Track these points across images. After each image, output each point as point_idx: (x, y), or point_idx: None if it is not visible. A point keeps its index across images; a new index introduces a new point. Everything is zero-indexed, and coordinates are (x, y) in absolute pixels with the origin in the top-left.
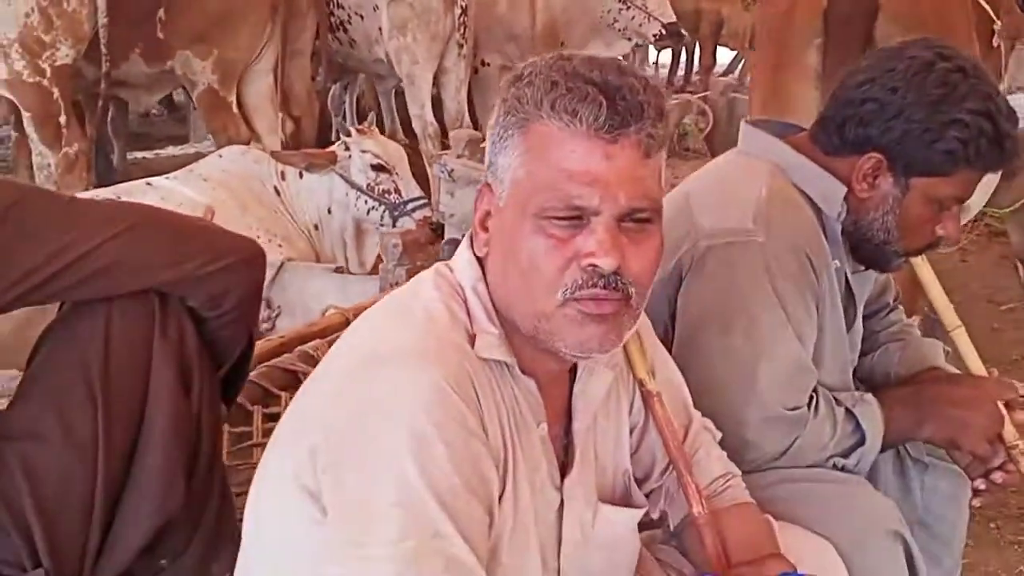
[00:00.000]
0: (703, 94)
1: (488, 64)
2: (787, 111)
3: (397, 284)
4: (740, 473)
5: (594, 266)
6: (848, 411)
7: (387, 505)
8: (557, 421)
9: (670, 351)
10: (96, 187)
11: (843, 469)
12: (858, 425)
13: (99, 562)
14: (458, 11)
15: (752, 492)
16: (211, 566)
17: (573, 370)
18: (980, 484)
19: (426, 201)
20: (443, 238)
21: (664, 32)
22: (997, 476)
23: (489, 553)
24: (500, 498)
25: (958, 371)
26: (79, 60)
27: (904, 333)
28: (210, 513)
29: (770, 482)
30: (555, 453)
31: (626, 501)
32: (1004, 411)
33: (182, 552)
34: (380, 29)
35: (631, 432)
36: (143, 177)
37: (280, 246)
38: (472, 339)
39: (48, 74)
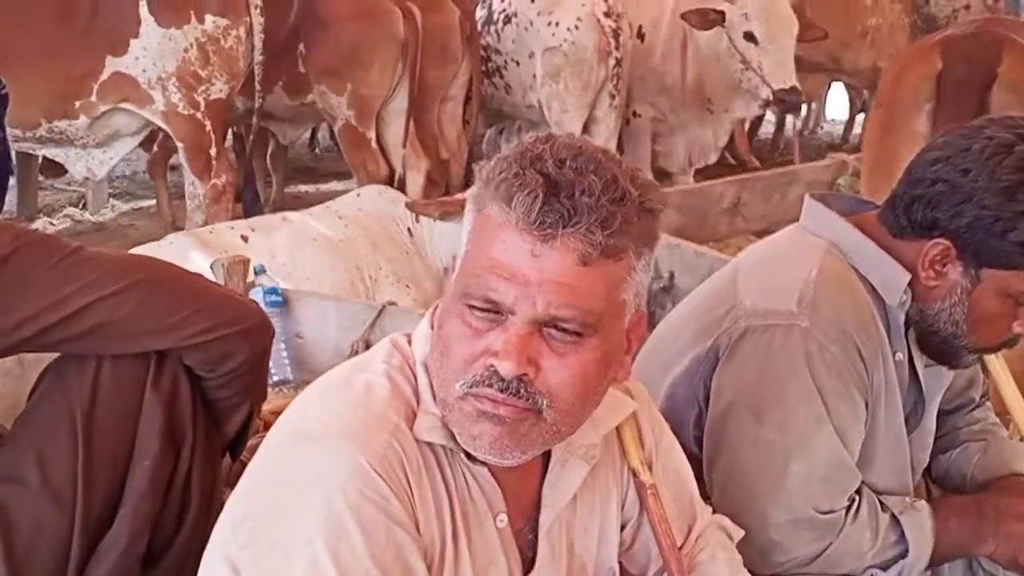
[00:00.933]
0: (860, 155)
1: (640, 115)
2: (891, 179)
3: None
4: None
5: (494, 367)
6: (894, 518)
7: None
8: (524, 514)
9: (701, 436)
10: (242, 217)
11: None
12: (903, 535)
13: None
14: (612, 62)
15: None
16: None
17: (546, 461)
18: None
19: None
20: None
21: (773, 98)
22: None
23: None
24: None
25: None
26: (232, 95)
27: (988, 433)
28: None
29: None
30: (519, 547)
31: None
32: None
33: None
34: (534, 76)
35: (624, 527)
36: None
37: (407, 287)
38: (414, 418)
39: (202, 107)
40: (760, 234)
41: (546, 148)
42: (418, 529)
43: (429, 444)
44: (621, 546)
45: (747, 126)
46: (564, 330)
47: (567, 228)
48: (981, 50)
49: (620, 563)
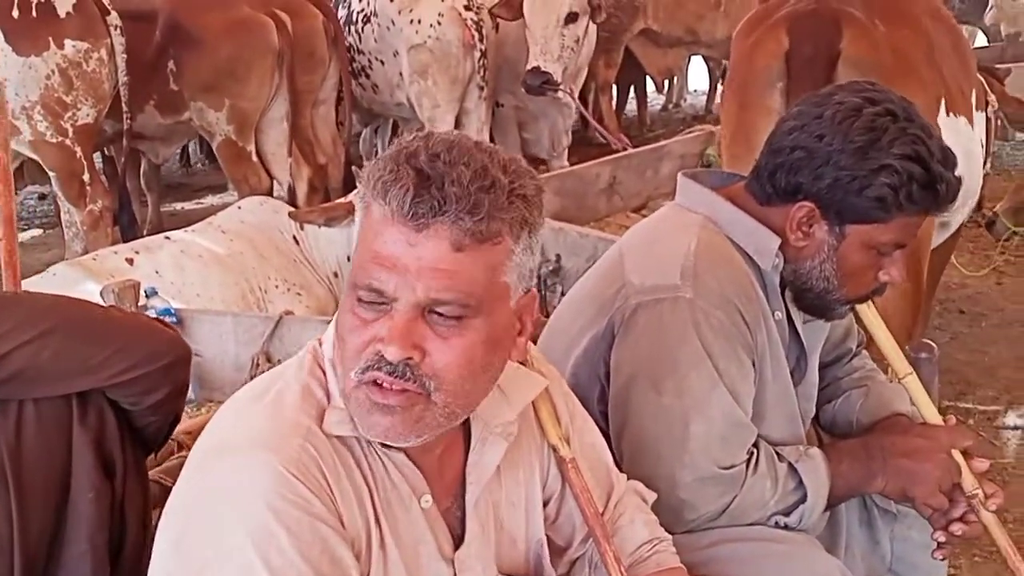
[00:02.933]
0: None
1: (503, 105)
2: (751, 151)
3: None
4: (670, 538)
5: (381, 352)
6: (791, 467)
7: None
8: (449, 492)
9: (606, 410)
10: (121, 242)
11: (786, 527)
12: (801, 482)
13: None
14: (477, 54)
15: (690, 553)
16: None
17: (468, 441)
18: (940, 536)
19: None
20: None
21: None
22: (956, 528)
23: None
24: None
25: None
26: (100, 118)
27: (867, 379)
28: None
29: (709, 542)
30: (448, 525)
31: (536, 573)
32: (961, 460)
33: None
34: (400, 74)
35: (548, 501)
36: (178, 228)
37: (299, 295)
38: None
39: (70, 133)
40: (638, 210)
41: (421, 145)
42: (342, 523)
43: (341, 438)
44: (546, 520)
45: (613, 104)
46: (444, 314)
47: (438, 217)
48: (823, 27)
49: (547, 535)
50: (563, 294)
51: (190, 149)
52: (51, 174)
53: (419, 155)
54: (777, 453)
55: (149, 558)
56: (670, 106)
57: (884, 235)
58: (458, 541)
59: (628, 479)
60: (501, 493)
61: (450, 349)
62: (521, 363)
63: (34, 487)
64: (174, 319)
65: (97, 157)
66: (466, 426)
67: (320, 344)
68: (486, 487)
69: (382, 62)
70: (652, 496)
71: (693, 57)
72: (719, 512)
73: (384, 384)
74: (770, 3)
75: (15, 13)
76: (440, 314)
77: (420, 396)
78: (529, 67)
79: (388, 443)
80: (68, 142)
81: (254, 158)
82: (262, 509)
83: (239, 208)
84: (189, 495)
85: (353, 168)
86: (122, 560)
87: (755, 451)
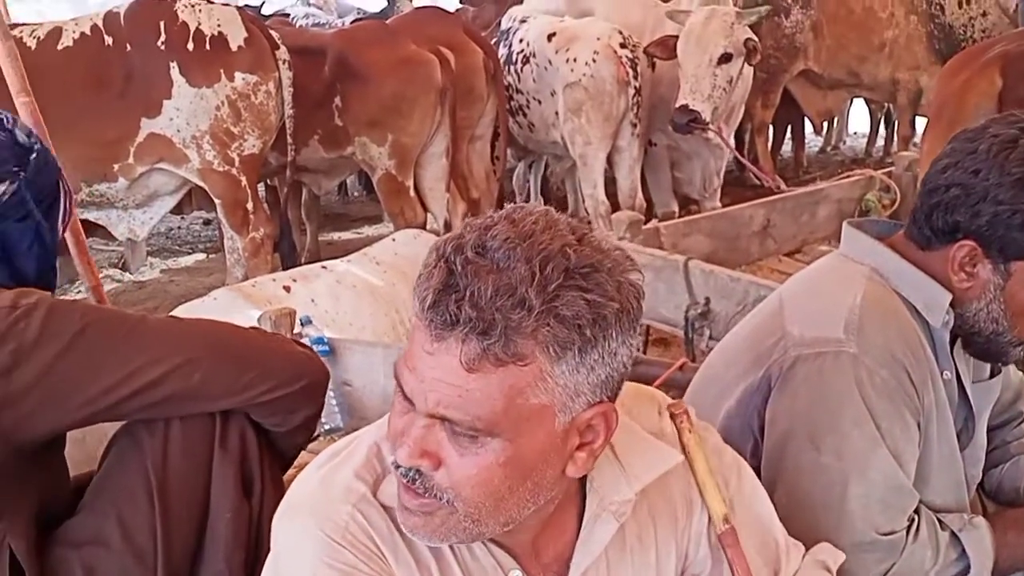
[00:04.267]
0: (887, 169)
1: (655, 144)
2: None
3: None
4: None
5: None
6: (953, 536)
7: None
8: (550, 570)
9: (758, 466)
10: (281, 269)
11: None
12: (964, 552)
13: None
14: (631, 91)
15: None
16: None
17: (581, 517)
18: None
19: None
20: None
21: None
22: None
23: None
24: None
25: None
26: (266, 150)
27: None
28: None
29: None
30: None
31: None
32: None
33: None
34: (556, 113)
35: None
36: (335, 256)
37: None
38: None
39: (237, 163)
40: (791, 254)
41: (478, 233)
42: None
43: None
44: None
45: (768, 146)
46: (456, 432)
47: (450, 331)
48: None
49: None
50: (711, 338)
51: (348, 181)
52: (216, 201)
53: (465, 250)
54: (939, 520)
55: None
56: (828, 148)
57: None
58: None
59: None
60: (627, 573)
61: (465, 465)
62: (677, 422)
63: (178, 505)
64: (326, 347)
65: (260, 186)
66: (581, 498)
67: None
68: (604, 567)
69: (539, 101)
70: (840, 557)
71: (854, 99)
72: None
73: (407, 487)
74: (980, 44)
75: (190, 46)
76: (454, 429)
77: (440, 503)
78: (677, 105)
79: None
80: (234, 171)
81: (412, 192)
82: (308, 574)
83: (393, 240)
84: (271, 551)
85: (506, 204)
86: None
87: (916, 517)
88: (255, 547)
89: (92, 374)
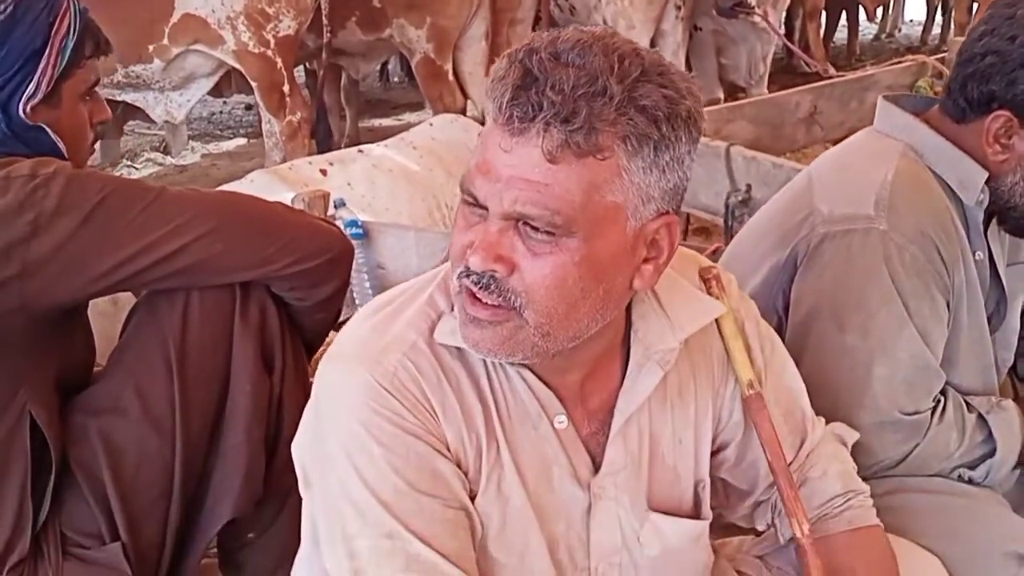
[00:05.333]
0: (940, 55)
1: (701, 29)
2: None
3: None
4: (867, 489)
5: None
6: (980, 418)
7: (340, 502)
8: (595, 417)
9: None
10: (317, 153)
11: (970, 482)
12: (991, 434)
13: (186, 535)
14: None
15: None
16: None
17: (626, 366)
18: None
19: None
20: None
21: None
22: None
23: (478, 550)
24: (476, 495)
25: None
26: (301, 31)
27: None
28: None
29: (884, 491)
30: (589, 450)
31: (692, 513)
32: None
33: (270, 525)
34: None
35: (729, 444)
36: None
37: None
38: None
39: (272, 44)
40: (838, 142)
41: (548, 40)
42: (446, 440)
43: (461, 352)
44: (726, 463)
45: (821, 33)
46: (535, 228)
47: (530, 123)
48: None
49: (725, 479)
50: None
51: (389, 67)
52: (252, 84)
53: (539, 51)
54: (967, 402)
55: None
56: (883, 36)
57: None
58: (599, 468)
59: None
60: (667, 427)
61: (540, 267)
62: (708, 287)
63: (196, 375)
64: (360, 230)
65: (299, 71)
66: (626, 348)
67: None
68: (646, 418)
69: None
70: (854, 436)
71: None
72: (898, 460)
73: (476, 295)
74: None
75: None
76: (531, 227)
77: (511, 312)
78: None
79: (486, 357)
80: (269, 53)
81: (451, 77)
82: (353, 422)
83: (431, 125)
84: (311, 398)
85: None
86: (277, 455)
87: (942, 398)
88: (276, 423)
89: (111, 243)
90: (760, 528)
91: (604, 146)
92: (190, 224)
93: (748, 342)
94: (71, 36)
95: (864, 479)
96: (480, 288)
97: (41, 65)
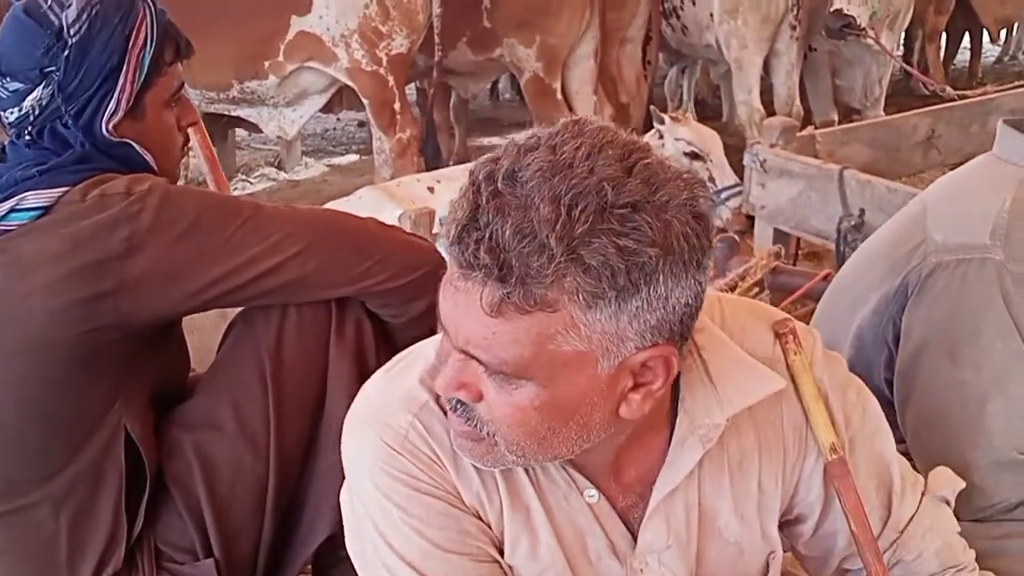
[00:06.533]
0: None
1: (815, 49)
2: None
3: None
4: (970, 563)
5: None
6: None
7: (374, 565)
8: (633, 491)
9: (891, 379)
10: (425, 171)
11: None
12: None
13: (282, 552)
14: None
15: (977, 542)
16: None
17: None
18: None
19: (741, 189)
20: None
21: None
22: None
23: None
24: (503, 554)
25: None
26: (413, 49)
27: None
28: None
29: (1001, 534)
30: (625, 523)
31: None
32: None
33: None
34: (711, 15)
35: (808, 518)
36: None
37: None
38: None
39: (384, 63)
40: (957, 167)
41: (512, 160)
42: (463, 499)
43: None
44: (802, 536)
45: (941, 54)
46: (488, 371)
47: (471, 273)
48: None
49: (799, 551)
50: None
51: (499, 85)
52: (364, 101)
53: (495, 177)
54: None
55: None
56: (1005, 58)
57: None
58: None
59: (912, 456)
60: (724, 502)
61: (500, 405)
62: (783, 344)
63: (292, 393)
64: None
65: (411, 89)
66: (672, 418)
67: None
68: (695, 492)
69: (693, 2)
70: (959, 485)
71: None
72: (1016, 503)
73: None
74: None
75: None
76: (484, 366)
77: (483, 435)
78: (832, 8)
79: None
80: (382, 71)
81: (559, 95)
82: (370, 485)
83: None
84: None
85: (651, 108)
86: None
87: None
88: None
89: (207, 261)
90: None
91: (550, 301)
92: (285, 242)
93: (831, 409)
94: (149, 47)
95: (979, 521)
96: (451, 410)
97: (120, 82)
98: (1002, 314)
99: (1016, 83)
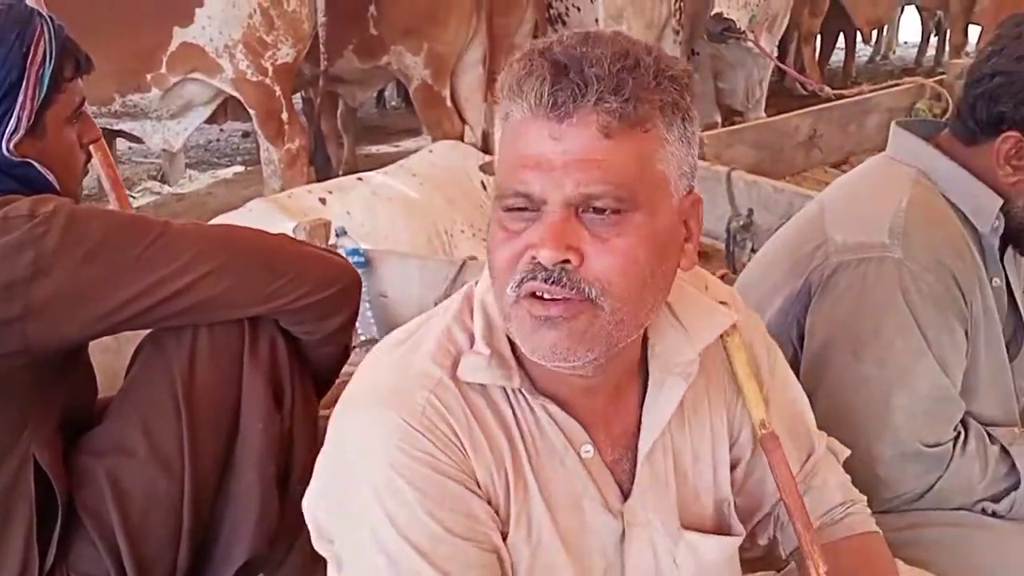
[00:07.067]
0: (938, 77)
1: (698, 53)
2: None
3: None
4: (864, 499)
5: (536, 259)
6: (1003, 449)
7: (371, 553)
8: (619, 443)
9: (797, 375)
10: (315, 181)
11: (994, 515)
12: (1014, 466)
13: None
14: None
15: (886, 534)
16: None
17: (644, 386)
18: None
19: None
20: None
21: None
22: None
23: None
24: (507, 534)
25: None
26: (299, 59)
27: None
28: None
29: (907, 524)
30: (616, 477)
31: (721, 530)
32: None
33: (280, 564)
34: (596, 20)
35: (737, 464)
36: (373, 169)
37: (484, 240)
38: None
39: (270, 73)
40: (838, 166)
41: (554, 40)
42: (476, 478)
43: (482, 388)
44: (735, 483)
45: (817, 55)
46: (601, 209)
47: (580, 102)
48: None
49: (735, 503)
50: (753, 250)
51: (386, 93)
52: (251, 112)
53: (552, 48)
54: (988, 433)
55: None
56: (878, 58)
57: None
58: (627, 493)
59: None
60: (686, 444)
61: (610, 251)
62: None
63: (206, 415)
64: (362, 259)
65: (296, 99)
66: (643, 370)
67: (476, 284)
68: (668, 436)
69: (578, 8)
70: (845, 452)
71: (905, 7)
72: (921, 493)
73: (544, 295)
74: None
75: None
76: (597, 210)
77: (584, 304)
78: (712, 12)
79: (558, 365)
80: (268, 81)
81: (448, 103)
82: (384, 466)
83: (430, 152)
84: (328, 446)
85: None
86: (290, 491)
87: (963, 430)
88: (287, 460)
89: (115, 283)
90: (761, 542)
91: (646, 117)
92: (196, 261)
93: (757, 354)
94: (48, 63)
95: (886, 512)
96: (553, 284)
97: (20, 100)
98: (902, 311)
99: (890, 82)
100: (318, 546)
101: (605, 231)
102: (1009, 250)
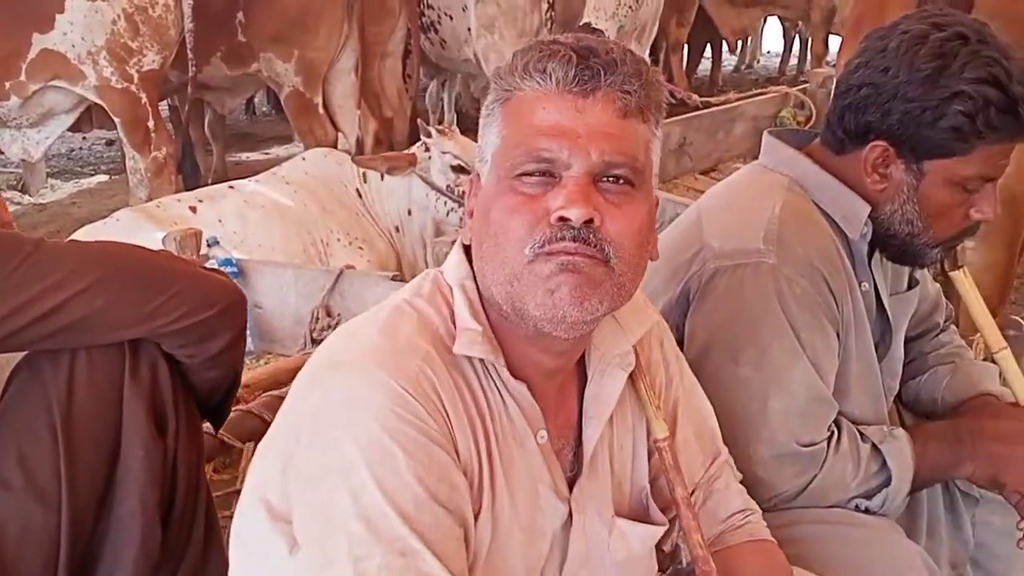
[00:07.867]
0: (801, 86)
1: None
2: None
3: None
4: (759, 509)
5: (563, 219)
6: (874, 448)
7: (348, 519)
8: (561, 432)
9: None
10: (184, 190)
11: (867, 511)
12: (885, 464)
13: None
14: (545, 6)
15: None
16: None
17: (584, 376)
18: None
19: None
20: None
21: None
22: None
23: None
24: (477, 515)
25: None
26: (166, 65)
27: (955, 356)
28: (195, 548)
29: (785, 523)
30: (562, 463)
31: (644, 518)
32: None
33: None
34: (468, 29)
35: (651, 453)
36: (243, 178)
37: (360, 248)
38: (445, 342)
39: (136, 80)
40: (707, 172)
41: (559, 38)
42: (458, 452)
43: (459, 367)
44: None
45: (684, 64)
46: (616, 178)
47: (606, 80)
48: None
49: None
50: None
51: (256, 99)
52: (116, 120)
53: (563, 41)
54: (860, 433)
55: (202, 517)
56: (743, 67)
57: (967, 168)
58: (571, 480)
59: None
60: (615, 433)
61: (622, 216)
62: None
63: (84, 441)
64: (235, 269)
65: (164, 106)
66: (580, 361)
67: (442, 273)
68: (609, 432)
69: (451, 17)
70: (738, 476)
71: (768, 18)
72: (797, 492)
73: (571, 251)
74: None
75: None
76: (612, 179)
77: (600, 263)
78: (580, 23)
79: (570, 311)
80: (133, 88)
81: (321, 110)
82: (375, 427)
83: (303, 159)
84: (299, 413)
85: (419, 121)
86: (172, 519)
87: (836, 430)
88: (171, 487)
89: None
90: (665, 549)
91: (648, 108)
92: (69, 279)
93: (667, 357)
94: None
95: (764, 512)
96: (579, 242)
97: None
98: (777, 315)
99: (756, 91)
100: (260, 535)
101: (617, 199)
102: (876, 255)
